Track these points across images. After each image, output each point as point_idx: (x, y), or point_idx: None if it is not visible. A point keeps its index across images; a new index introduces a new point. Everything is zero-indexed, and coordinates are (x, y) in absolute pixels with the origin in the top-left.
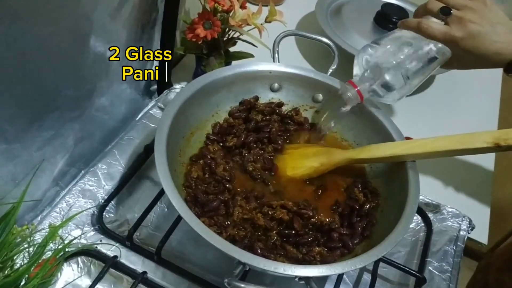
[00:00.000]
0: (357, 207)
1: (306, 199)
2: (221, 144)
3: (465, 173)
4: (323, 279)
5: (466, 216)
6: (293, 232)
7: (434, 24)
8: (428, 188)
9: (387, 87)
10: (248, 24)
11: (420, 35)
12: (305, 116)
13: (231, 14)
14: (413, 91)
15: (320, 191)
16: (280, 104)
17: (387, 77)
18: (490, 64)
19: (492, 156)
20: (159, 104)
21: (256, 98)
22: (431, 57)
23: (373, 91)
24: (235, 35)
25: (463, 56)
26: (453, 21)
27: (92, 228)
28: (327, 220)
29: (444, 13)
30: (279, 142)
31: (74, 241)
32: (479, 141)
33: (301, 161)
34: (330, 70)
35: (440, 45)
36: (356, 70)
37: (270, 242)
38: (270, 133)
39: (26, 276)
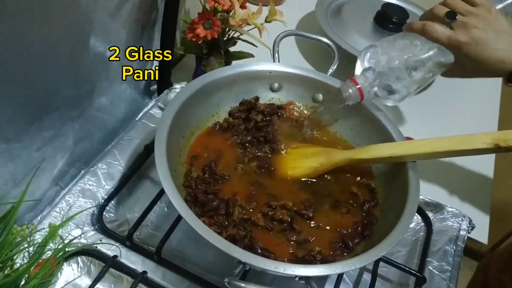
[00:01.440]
0: (357, 207)
1: (306, 199)
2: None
3: (465, 173)
4: (323, 279)
5: (466, 216)
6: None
7: (439, 27)
8: (428, 188)
9: (388, 89)
10: (248, 24)
11: (424, 40)
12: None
13: (231, 14)
14: (412, 95)
15: (320, 191)
16: (281, 107)
17: (389, 79)
18: (492, 72)
19: (492, 156)
20: (159, 104)
21: (257, 99)
22: (434, 62)
23: (374, 91)
24: (235, 35)
25: (465, 62)
26: (458, 26)
27: (92, 228)
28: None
29: (450, 17)
30: (277, 142)
31: (74, 241)
32: (479, 142)
33: (300, 161)
34: (330, 70)
35: (443, 50)
36: (358, 70)
37: None
38: (266, 133)
39: (26, 275)
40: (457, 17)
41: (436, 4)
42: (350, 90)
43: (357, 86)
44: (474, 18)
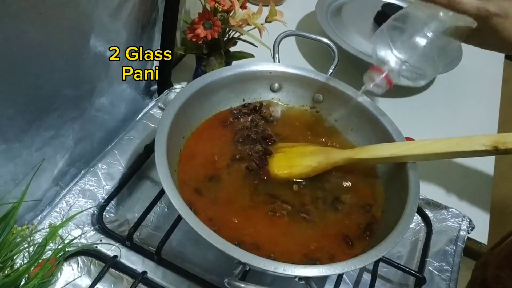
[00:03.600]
0: (357, 207)
1: (306, 199)
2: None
3: (465, 173)
4: (323, 279)
5: (466, 216)
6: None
7: None
8: (428, 188)
9: (416, 68)
10: (248, 24)
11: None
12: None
13: (231, 14)
14: (441, 70)
15: (319, 191)
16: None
17: (416, 58)
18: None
19: (492, 156)
20: (159, 104)
21: (261, 105)
22: (454, 31)
23: (400, 74)
24: (236, 35)
25: (488, 35)
26: None
27: (92, 228)
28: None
29: None
30: (272, 140)
31: (74, 241)
32: (478, 144)
33: (297, 160)
34: (331, 71)
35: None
36: (380, 53)
37: None
38: (261, 131)
39: (26, 276)
40: None
41: None
42: (377, 81)
43: (384, 74)
44: None
